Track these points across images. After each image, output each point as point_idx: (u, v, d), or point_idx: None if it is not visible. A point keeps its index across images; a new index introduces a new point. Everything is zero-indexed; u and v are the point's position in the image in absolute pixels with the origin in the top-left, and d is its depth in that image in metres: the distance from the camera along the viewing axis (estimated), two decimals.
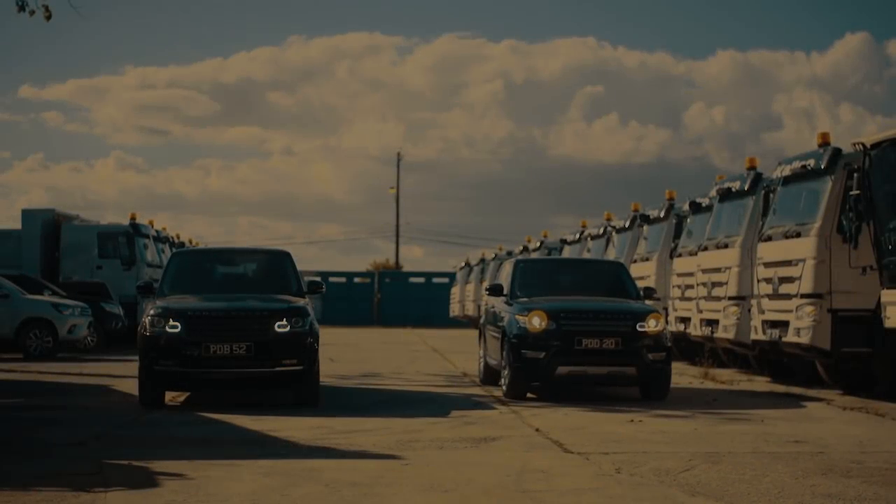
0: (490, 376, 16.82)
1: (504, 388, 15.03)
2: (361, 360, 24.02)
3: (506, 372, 14.99)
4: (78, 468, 8.90)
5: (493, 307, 16.71)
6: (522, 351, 14.53)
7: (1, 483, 8.14)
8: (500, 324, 15.51)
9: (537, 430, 11.62)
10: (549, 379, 14.65)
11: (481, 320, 17.78)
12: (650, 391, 14.89)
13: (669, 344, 14.94)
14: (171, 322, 13.30)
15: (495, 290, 16.35)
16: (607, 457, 9.75)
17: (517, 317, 14.83)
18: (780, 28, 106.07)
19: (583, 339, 14.40)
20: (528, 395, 15.04)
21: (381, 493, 8.00)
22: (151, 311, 13.64)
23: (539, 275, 16.99)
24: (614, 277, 16.72)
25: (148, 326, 13.46)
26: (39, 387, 16.79)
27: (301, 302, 14.12)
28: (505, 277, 16.91)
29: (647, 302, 15.95)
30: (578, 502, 7.75)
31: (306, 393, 13.71)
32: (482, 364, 17.37)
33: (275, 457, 9.53)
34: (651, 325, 14.57)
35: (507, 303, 15.75)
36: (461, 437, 11.00)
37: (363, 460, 9.47)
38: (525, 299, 15.48)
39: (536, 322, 14.54)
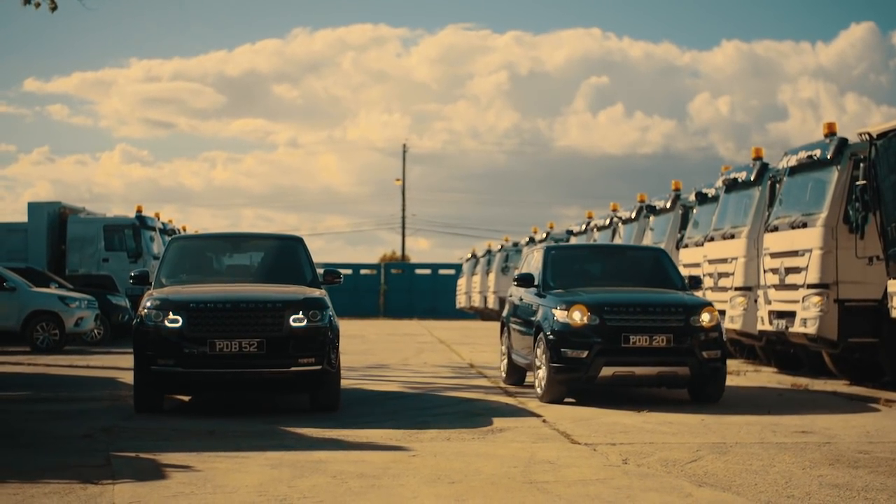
0: (515, 375, 15.66)
1: (539, 390, 13.53)
2: (368, 351, 24.02)
3: (541, 372, 13.48)
4: (86, 460, 8.92)
5: (520, 299, 15.24)
6: (562, 350, 13.02)
7: (10, 475, 8.16)
8: (532, 318, 14.11)
9: (544, 421, 11.62)
10: (593, 381, 13.05)
11: (504, 313, 16.32)
12: (704, 393, 13.43)
13: (725, 339, 13.63)
14: (171, 315, 11.71)
15: (525, 281, 14.78)
16: (614, 448, 9.75)
17: (554, 311, 13.31)
18: (786, 18, 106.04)
19: (630, 336, 12.91)
20: (526, 381, 14.89)
21: (388, 484, 8.00)
22: (148, 303, 12.01)
23: (573, 263, 15.34)
24: (656, 265, 15.13)
25: (144, 320, 11.87)
26: (46, 379, 16.80)
27: (318, 293, 12.53)
28: (534, 266, 15.21)
29: (695, 293, 14.67)
30: (585, 493, 7.75)
31: (325, 396, 12.23)
32: (506, 362, 15.92)
33: (282, 448, 9.54)
34: (706, 320, 13.13)
35: (538, 294, 14.27)
36: (468, 428, 11.00)
37: (370, 452, 9.48)
38: (560, 290, 13.99)
39: (577, 317, 13.05)
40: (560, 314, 13.23)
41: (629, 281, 14.74)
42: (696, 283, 14.82)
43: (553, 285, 14.32)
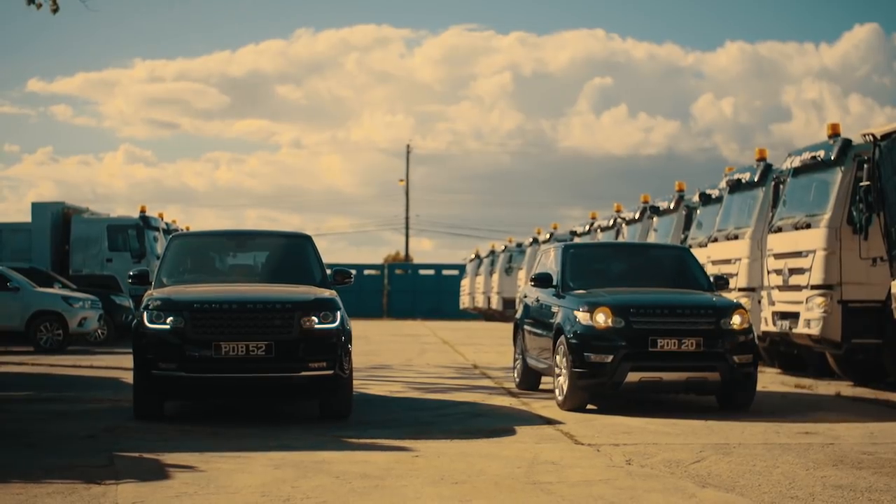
0: (530, 380, 14.92)
1: (559, 396, 12.79)
2: (371, 352, 24.01)
3: (561, 378, 12.73)
4: (89, 460, 8.92)
5: (536, 300, 14.48)
6: (585, 354, 12.26)
7: (13, 475, 8.16)
8: (550, 320, 13.38)
9: (548, 421, 11.61)
10: (617, 387, 12.32)
11: (517, 315, 15.62)
12: (734, 400, 12.70)
13: (757, 343, 13.02)
14: (173, 317, 11.05)
15: (541, 281, 13.97)
16: (618, 448, 9.75)
17: (576, 313, 12.59)
18: (789, 19, 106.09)
19: (658, 340, 12.17)
20: (540, 386, 14.89)
21: (391, 485, 8.00)
22: (148, 304, 11.36)
23: (593, 262, 14.59)
24: (680, 264, 14.40)
25: (145, 322, 11.20)
26: (50, 380, 16.82)
27: (328, 293, 11.82)
28: (550, 266, 14.43)
29: (723, 294, 14.10)
30: (589, 494, 7.75)
31: (336, 403, 11.54)
32: (519, 366, 15.18)
33: (285, 449, 9.54)
34: (737, 322, 12.40)
35: (557, 295, 13.52)
36: (472, 428, 11.00)
37: (373, 452, 9.48)
38: (581, 291, 13.27)
39: (601, 319, 12.33)
40: (583, 316, 12.51)
41: (652, 281, 14.01)
42: (723, 283, 14.17)
43: (573, 286, 13.60)
